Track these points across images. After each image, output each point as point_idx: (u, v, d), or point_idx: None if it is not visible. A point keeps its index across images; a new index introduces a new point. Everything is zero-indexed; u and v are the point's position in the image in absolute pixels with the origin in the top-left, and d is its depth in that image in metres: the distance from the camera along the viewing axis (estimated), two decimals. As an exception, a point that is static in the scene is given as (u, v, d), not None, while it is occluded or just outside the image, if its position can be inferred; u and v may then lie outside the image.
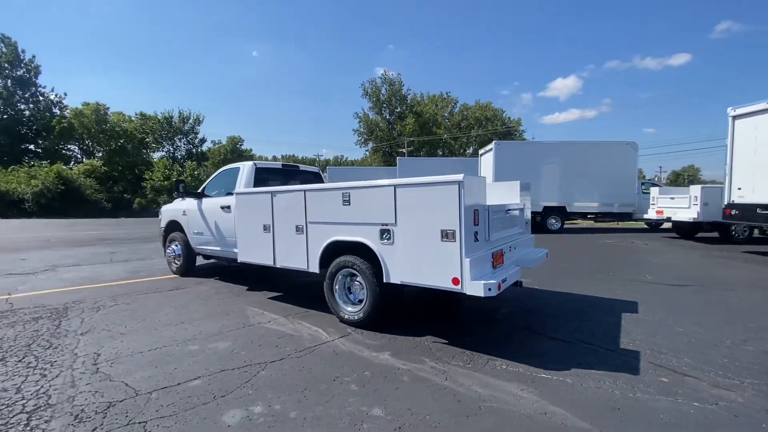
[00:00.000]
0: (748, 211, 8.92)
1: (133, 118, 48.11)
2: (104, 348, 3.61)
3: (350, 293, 4.42)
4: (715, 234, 11.81)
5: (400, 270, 3.75)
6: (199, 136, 50.86)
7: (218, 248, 6.20)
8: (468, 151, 59.61)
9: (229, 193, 6.35)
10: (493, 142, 15.17)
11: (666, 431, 2.31)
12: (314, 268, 4.51)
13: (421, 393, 2.77)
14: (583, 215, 16.01)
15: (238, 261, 5.45)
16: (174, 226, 7.07)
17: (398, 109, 57.05)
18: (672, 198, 12.09)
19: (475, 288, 3.27)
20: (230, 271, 7.37)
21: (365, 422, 2.39)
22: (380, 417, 2.45)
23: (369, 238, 3.96)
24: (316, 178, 7.06)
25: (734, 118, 9.26)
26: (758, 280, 6.59)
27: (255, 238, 5.16)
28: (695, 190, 11.21)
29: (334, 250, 4.40)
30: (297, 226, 4.63)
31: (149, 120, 48.32)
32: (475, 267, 3.33)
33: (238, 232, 5.41)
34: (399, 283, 3.78)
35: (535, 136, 61.69)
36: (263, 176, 6.14)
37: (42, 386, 2.85)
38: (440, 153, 58.63)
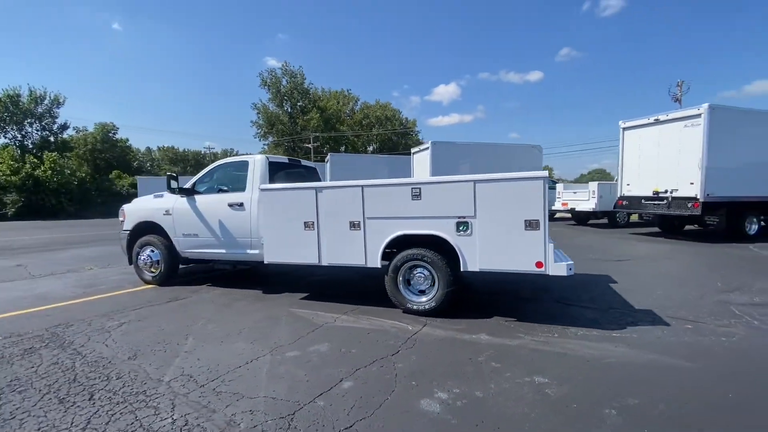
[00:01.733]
0: (635, 201, 11.58)
1: (-47, 94, 36.53)
2: (187, 369, 3.12)
3: (409, 285, 4.57)
4: (605, 220, 14.95)
5: (479, 258, 4.09)
6: (59, 121, 41.32)
7: (223, 251, 5.56)
8: (369, 148, 61.02)
9: (222, 190, 5.77)
10: (430, 142, 16.20)
11: (729, 355, 3.20)
12: (374, 263, 4.53)
13: (551, 361, 3.19)
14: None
15: (265, 262, 5.04)
16: (147, 228, 6.03)
17: (300, 103, 55.08)
18: (575, 192, 14.86)
19: (558, 269, 3.83)
20: (220, 275, 6.60)
21: (545, 388, 2.72)
22: (548, 382, 2.81)
23: (444, 230, 4.19)
24: (314, 173, 6.80)
25: (624, 129, 11.87)
26: (662, 252, 8.75)
27: (291, 237, 4.85)
28: (593, 185, 14.02)
29: (395, 245, 4.49)
30: (352, 222, 4.56)
31: (-19, 97, 37.27)
32: (553, 251, 3.89)
33: (265, 231, 4.99)
34: (477, 270, 4.12)
35: (425, 137, 66.36)
36: (271, 171, 5.71)
37: (174, 420, 2.42)
38: (343, 149, 59.03)
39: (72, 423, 2.38)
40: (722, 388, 2.71)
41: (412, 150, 18.74)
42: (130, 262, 6.20)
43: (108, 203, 36.58)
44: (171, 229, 5.81)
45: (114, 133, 48.48)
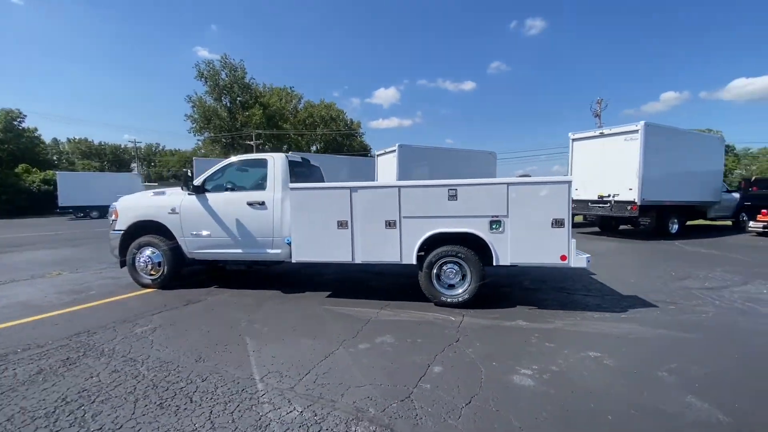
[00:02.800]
0: (582, 204, 13.10)
1: None
2: (270, 366, 3.11)
3: (439, 280, 4.89)
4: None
5: (510, 253, 4.54)
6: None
7: (239, 250, 5.37)
8: (313, 148, 60.12)
9: (230, 188, 5.60)
10: (397, 144, 16.64)
11: (715, 327, 4.00)
12: (409, 260, 4.77)
13: (591, 339, 3.73)
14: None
15: (293, 261, 5.02)
16: (145, 228, 5.60)
17: (240, 98, 52.15)
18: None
19: (580, 261, 4.43)
20: (219, 276, 6.30)
21: (602, 360, 3.22)
22: (601, 356, 3.31)
23: (478, 228, 4.58)
24: (318, 171, 6.81)
25: (573, 140, 13.38)
26: (613, 249, 10.10)
27: (323, 236, 4.91)
28: (544, 189, 15.54)
29: (428, 242, 4.78)
30: (388, 221, 4.76)
31: None
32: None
33: (294, 230, 4.97)
34: (509, 264, 4.58)
35: (368, 140, 67.00)
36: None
37: (301, 412, 2.47)
38: (285, 148, 57.58)
39: (195, 425, 2.32)
40: (727, 350, 3.44)
41: (377, 152, 19.07)
42: (122, 265, 5.70)
43: (15, 201, 31.71)
44: (177, 229, 5.47)
45: (20, 121, 41.93)
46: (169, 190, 5.74)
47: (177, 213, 5.46)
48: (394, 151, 16.80)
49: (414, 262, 4.78)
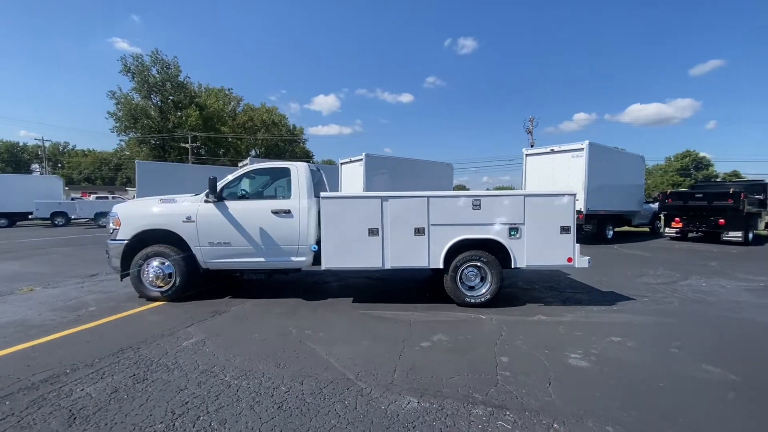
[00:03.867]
0: (535, 213, 14.58)
1: None
2: (353, 368, 3.28)
3: (461, 282, 5.33)
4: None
5: (526, 257, 5.15)
6: None
7: (261, 259, 5.31)
8: (252, 153, 58.10)
9: (245, 196, 5.56)
10: (364, 154, 16.98)
11: (686, 312, 4.96)
12: (437, 264, 5.15)
13: (604, 327, 4.43)
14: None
15: (323, 268, 5.12)
16: (154, 237, 5.27)
17: (172, 97, 48.24)
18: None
19: (582, 262, 5.18)
20: (224, 286, 6.08)
21: (624, 343, 3.89)
22: (621, 340, 3.99)
23: (499, 235, 5.13)
24: (321, 177, 6.91)
25: (527, 155, 14.87)
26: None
27: (354, 243, 5.09)
28: (500, 199, 16.98)
29: (453, 248, 5.21)
30: (417, 229, 5.10)
31: None
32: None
33: (325, 238, 5.08)
34: (524, 267, 5.17)
35: (310, 146, 66.64)
36: None
37: (422, 406, 2.72)
38: (222, 153, 55.00)
39: (331, 422, 2.46)
40: (703, 330, 4.35)
41: (341, 161, 19.20)
42: (124, 278, 5.30)
43: None
44: (193, 238, 5.24)
45: None
46: (179, 197, 5.47)
47: (193, 221, 5.24)
48: (361, 159, 17.12)
49: (441, 266, 5.16)
